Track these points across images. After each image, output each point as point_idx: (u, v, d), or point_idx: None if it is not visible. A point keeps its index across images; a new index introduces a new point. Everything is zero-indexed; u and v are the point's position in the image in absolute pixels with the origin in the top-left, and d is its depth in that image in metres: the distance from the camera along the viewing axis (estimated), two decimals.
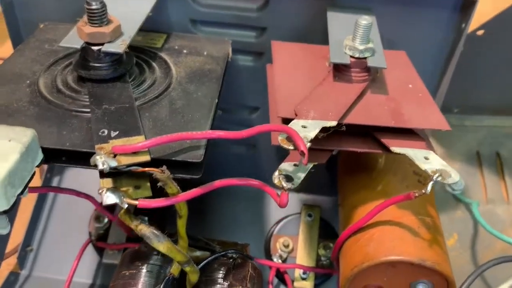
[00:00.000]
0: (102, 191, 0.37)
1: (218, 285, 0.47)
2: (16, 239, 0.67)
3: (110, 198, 0.37)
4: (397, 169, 0.51)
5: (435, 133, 0.43)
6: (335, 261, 0.51)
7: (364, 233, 0.46)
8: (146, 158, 0.37)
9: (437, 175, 0.39)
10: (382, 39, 0.48)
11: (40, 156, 0.38)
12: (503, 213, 0.69)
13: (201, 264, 0.47)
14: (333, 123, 0.40)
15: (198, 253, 0.51)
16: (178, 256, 0.41)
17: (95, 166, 0.37)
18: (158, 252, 0.49)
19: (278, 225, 0.68)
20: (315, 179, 0.69)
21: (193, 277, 0.44)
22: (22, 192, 0.36)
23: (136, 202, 0.38)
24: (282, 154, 0.66)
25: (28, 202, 0.68)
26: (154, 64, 0.49)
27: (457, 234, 0.68)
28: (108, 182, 0.39)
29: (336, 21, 0.50)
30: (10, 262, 0.66)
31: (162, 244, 0.39)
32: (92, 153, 0.37)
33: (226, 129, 0.39)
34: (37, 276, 0.66)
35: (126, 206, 0.38)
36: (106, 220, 0.65)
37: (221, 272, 0.48)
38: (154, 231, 0.39)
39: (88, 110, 0.42)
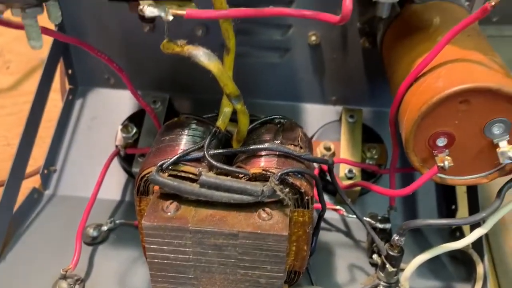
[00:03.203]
0: (142, 7, 0.34)
1: (267, 143, 0.42)
2: (38, 161, 0.63)
3: (150, 11, 0.34)
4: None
5: None
6: (392, 126, 0.46)
7: (428, 75, 0.41)
8: None
9: None
10: None
11: None
12: None
13: (250, 126, 0.43)
14: None
15: None
16: (229, 84, 0.36)
17: None
18: (198, 122, 0.45)
19: (317, 132, 0.63)
20: (354, 89, 0.65)
21: (243, 120, 0.39)
22: None
23: (183, 12, 0.34)
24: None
25: (48, 129, 0.64)
26: None
27: None
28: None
29: None
30: (29, 186, 0.61)
31: (212, 64, 0.35)
32: None
33: None
34: (62, 196, 0.61)
35: (171, 18, 0.34)
36: (134, 130, 0.61)
37: (269, 134, 0.44)
38: (204, 49, 0.35)
39: None
